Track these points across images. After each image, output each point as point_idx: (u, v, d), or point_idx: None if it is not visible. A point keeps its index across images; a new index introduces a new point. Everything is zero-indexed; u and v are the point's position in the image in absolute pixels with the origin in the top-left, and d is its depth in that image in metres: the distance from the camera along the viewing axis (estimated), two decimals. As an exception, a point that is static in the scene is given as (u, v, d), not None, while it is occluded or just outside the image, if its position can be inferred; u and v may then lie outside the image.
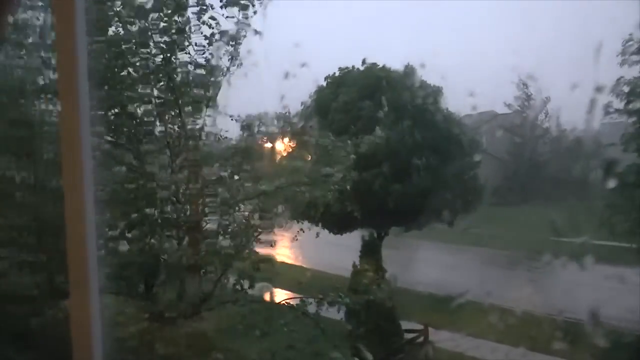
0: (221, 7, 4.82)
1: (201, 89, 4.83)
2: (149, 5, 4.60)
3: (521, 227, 7.92)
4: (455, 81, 7.50)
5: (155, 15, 4.61)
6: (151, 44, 4.64)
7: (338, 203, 5.21)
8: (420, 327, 8.04)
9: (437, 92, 8.45)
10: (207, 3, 4.81)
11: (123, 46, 4.50)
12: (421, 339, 7.74)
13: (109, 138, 4.64)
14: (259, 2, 4.84)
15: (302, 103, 7.99)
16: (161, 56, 4.66)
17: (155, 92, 4.80)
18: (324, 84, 8.89)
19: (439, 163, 8.08)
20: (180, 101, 4.69)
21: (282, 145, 5.34)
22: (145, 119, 4.86)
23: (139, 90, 4.72)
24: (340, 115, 7.76)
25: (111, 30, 4.47)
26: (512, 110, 12.90)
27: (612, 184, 5.02)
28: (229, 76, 4.96)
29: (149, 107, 4.70)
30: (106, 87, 4.47)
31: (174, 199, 4.70)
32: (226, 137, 4.93)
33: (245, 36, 4.86)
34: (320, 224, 8.19)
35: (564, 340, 4.73)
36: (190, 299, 4.88)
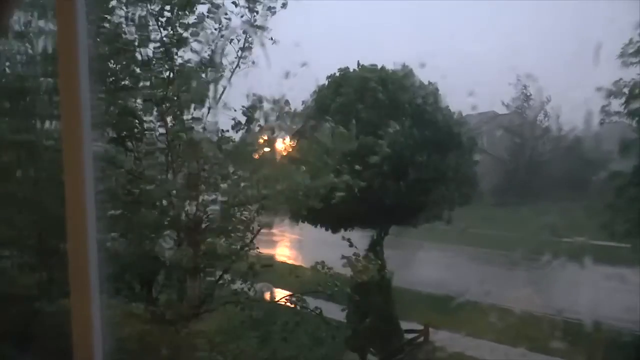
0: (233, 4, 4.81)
1: (204, 86, 4.83)
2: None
3: (520, 227, 7.93)
4: (454, 81, 7.52)
5: (157, 7, 4.59)
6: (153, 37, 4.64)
7: (339, 201, 5.20)
8: (419, 327, 8.06)
9: (436, 91, 8.49)
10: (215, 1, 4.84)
11: (124, 36, 4.48)
12: (421, 339, 7.76)
13: (109, 137, 4.65)
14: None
15: (303, 102, 7.99)
16: (162, 49, 4.65)
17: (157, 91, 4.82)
18: (324, 84, 8.93)
19: (437, 161, 8.12)
20: (181, 99, 4.69)
21: (283, 145, 5.34)
22: (145, 118, 4.87)
23: (140, 85, 4.73)
24: (340, 116, 7.78)
25: (112, 25, 4.46)
26: (511, 111, 12.93)
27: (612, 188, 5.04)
28: (231, 75, 4.96)
29: (150, 104, 4.71)
30: (105, 85, 4.49)
31: (174, 200, 4.70)
32: (227, 137, 4.93)
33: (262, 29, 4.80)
34: (319, 223, 8.24)
35: (563, 340, 4.75)
36: (190, 300, 4.89)
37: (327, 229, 8.88)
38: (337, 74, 9.49)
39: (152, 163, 4.74)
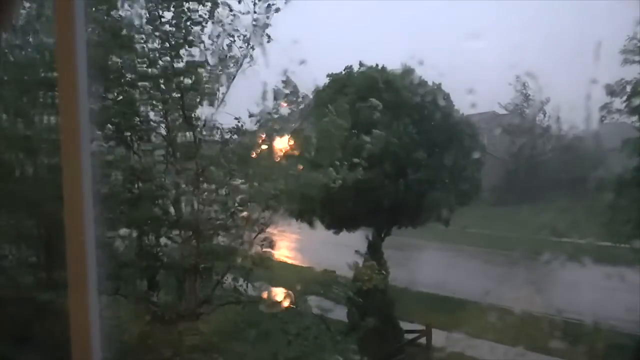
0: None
1: (207, 85, 4.81)
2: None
3: (520, 227, 7.91)
4: (454, 81, 7.50)
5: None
6: (157, 34, 4.61)
7: (339, 200, 5.16)
8: (420, 327, 8.04)
9: (436, 90, 8.47)
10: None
11: (124, 31, 4.45)
12: (422, 339, 7.75)
13: (110, 134, 4.65)
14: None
15: (302, 96, 7.96)
16: (165, 45, 4.62)
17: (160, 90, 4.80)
18: (324, 83, 8.93)
19: (438, 161, 8.11)
20: (184, 97, 4.67)
21: (282, 144, 5.33)
22: (149, 115, 4.85)
23: (141, 83, 4.72)
24: (343, 116, 7.78)
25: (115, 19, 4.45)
26: (511, 110, 12.88)
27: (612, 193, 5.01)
28: (235, 72, 4.92)
29: (153, 102, 4.69)
30: (107, 80, 4.47)
31: (174, 199, 4.70)
32: (227, 135, 4.91)
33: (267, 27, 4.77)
34: (321, 223, 8.23)
35: (563, 340, 4.73)
36: (189, 299, 4.88)
37: (328, 229, 8.88)
38: (337, 75, 9.48)
39: (153, 161, 4.73)
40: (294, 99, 4.99)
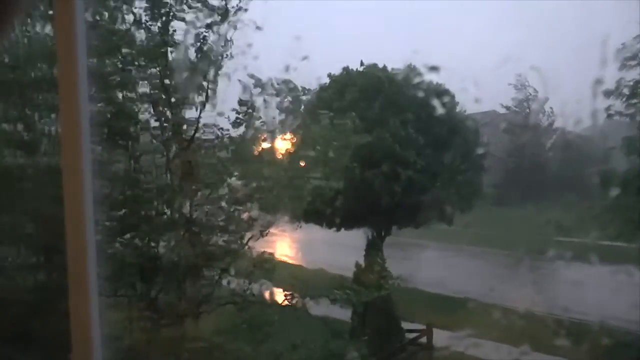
0: None
1: (194, 78, 4.76)
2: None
3: (522, 226, 7.88)
4: (454, 80, 7.45)
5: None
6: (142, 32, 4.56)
7: (340, 199, 5.13)
8: (421, 326, 8.01)
9: (437, 88, 8.45)
10: None
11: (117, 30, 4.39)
12: (423, 338, 7.73)
13: (104, 137, 4.60)
14: None
15: (304, 91, 7.92)
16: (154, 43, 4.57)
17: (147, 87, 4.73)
18: (325, 82, 8.89)
19: (439, 159, 8.09)
20: (173, 93, 4.62)
21: (282, 143, 5.28)
22: (141, 117, 4.79)
23: (131, 81, 4.65)
24: (342, 115, 7.75)
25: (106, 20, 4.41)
26: (512, 110, 12.87)
27: (614, 191, 4.97)
28: (219, 66, 4.85)
29: (144, 101, 4.64)
30: (99, 83, 4.43)
31: (170, 199, 4.65)
32: (225, 134, 4.86)
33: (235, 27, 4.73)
34: (320, 223, 8.21)
35: (567, 339, 4.70)
36: (189, 299, 4.84)
37: (328, 229, 8.86)
38: (340, 74, 9.44)
39: (148, 162, 4.69)
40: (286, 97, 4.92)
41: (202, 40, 4.58)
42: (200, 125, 4.76)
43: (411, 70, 8.34)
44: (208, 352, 4.68)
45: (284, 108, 5.04)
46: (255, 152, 5.04)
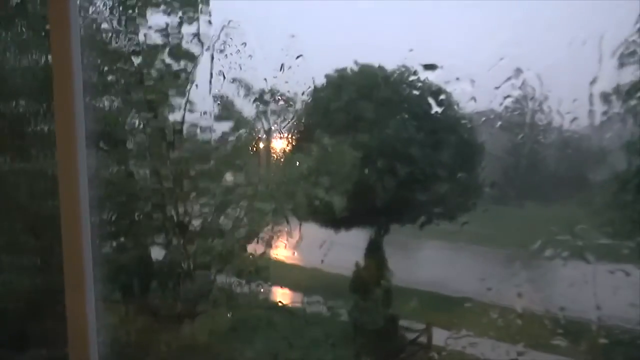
0: None
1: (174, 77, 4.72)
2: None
3: (520, 224, 7.89)
4: (451, 78, 7.44)
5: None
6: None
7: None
8: (420, 326, 8.03)
9: (434, 88, 8.47)
10: None
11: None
12: (422, 338, 7.75)
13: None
14: None
15: (303, 92, 7.91)
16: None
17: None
18: (322, 83, 8.90)
19: (438, 158, 8.11)
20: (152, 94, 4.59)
21: (280, 143, 5.28)
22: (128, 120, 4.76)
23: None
24: (340, 115, 7.76)
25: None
26: (510, 108, 12.91)
27: (612, 189, 4.98)
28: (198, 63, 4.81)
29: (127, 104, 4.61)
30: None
31: (163, 200, 4.64)
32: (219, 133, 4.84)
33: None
34: (318, 222, 8.22)
35: (564, 338, 4.72)
36: (184, 301, 4.84)
37: (327, 228, 8.88)
38: (336, 74, 9.47)
39: (137, 166, 4.67)
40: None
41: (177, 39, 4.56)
42: (187, 126, 4.75)
43: (407, 68, 8.37)
44: (203, 352, 4.67)
45: (277, 112, 5.03)
46: (250, 153, 5.04)
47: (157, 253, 5.04)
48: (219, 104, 4.87)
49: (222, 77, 4.80)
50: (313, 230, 8.23)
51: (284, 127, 5.28)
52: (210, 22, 4.65)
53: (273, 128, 5.14)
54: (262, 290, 5.40)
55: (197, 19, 4.68)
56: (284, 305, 5.54)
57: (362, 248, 8.40)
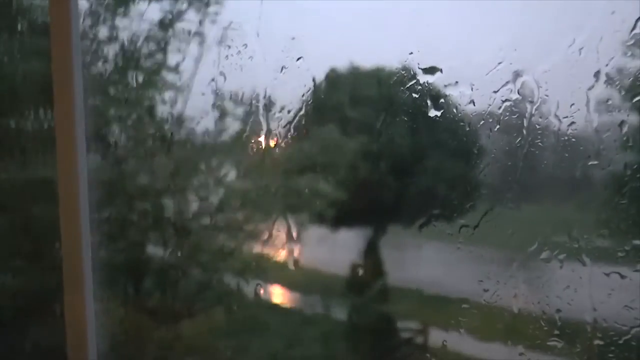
0: None
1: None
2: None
3: (518, 226, 7.92)
4: (449, 81, 7.46)
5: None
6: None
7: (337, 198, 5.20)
8: (416, 326, 8.07)
9: (433, 90, 8.52)
10: None
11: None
12: (419, 338, 7.78)
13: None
14: None
15: (303, 94, 7.96)
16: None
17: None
18: (321, 82, 8.94)
19: (436, 159, 8.16)
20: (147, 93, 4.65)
21: (279, 143, 5.31)
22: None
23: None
24: (339, 116, 7.80)
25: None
26: (508, 112, 13.02)
27: (609, 191, 5.02)
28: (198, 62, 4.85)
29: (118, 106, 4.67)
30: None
31: (159, 198, 4.69)
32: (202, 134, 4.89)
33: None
34: (316, 221, 8.25)
35: (560, 339, 4.76)
36: (181, 299, 4.89)
37: (325, 227, 8.91)
38: (334, 74, 9.53)
39: (132, 165, 4.72)
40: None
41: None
42: (185, 125, 4.80)
43: (407, 71, 8.42)
44: (201, 351, 4.71)
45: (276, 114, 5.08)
46: (249, 152, 5.08)
47: (154, 252, 5.09)
48: (219, 104, 4.91)
49: (222, 78, 4.85)
50: (311, 230, 8.26)
51: (283, 128, 5.31)
52: (214, 20, 4.70)
53: (272, 129, 5.18)
54: (259, 289, 5.44)
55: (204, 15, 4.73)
56: (281, 305, 5.58)
57: (360, 248, 8.44)
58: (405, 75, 7.58)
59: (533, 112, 4.53)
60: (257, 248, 5.01)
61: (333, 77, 8.46)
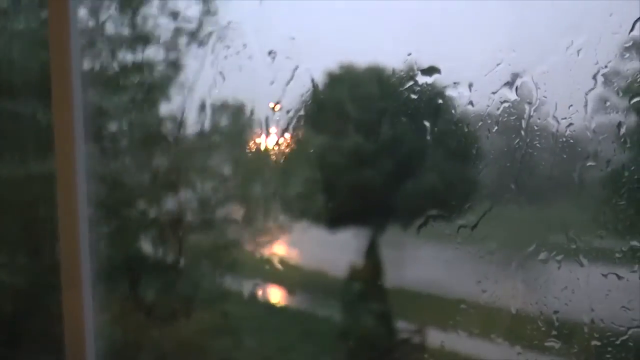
0: None
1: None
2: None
3: (516, 227, 7.94)
4: (448, 81, 7.46)
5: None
6: None
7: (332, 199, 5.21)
8: (414, 327, 8.07)
9: (432, 90, 8.53)
10: None
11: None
12: (416, 339, 7.78)
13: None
14: None
15: (302, 94, 7.97)
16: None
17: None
18: (320, 83, 8.94)
19: (435, 161, 8.17)
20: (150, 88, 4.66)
21: (275, 141, 5.31)
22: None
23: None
24: (336, 115, 7.80)
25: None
26: (507, 113, 13.05)
27: (607, 192, 5.02)
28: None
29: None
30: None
31: (151, 198, 4.69)
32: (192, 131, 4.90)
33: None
34: (314, 221, 8.25)
35: (558, 339, 4.78)
36: (177, 298, 4.89)
37: (324, 228, 8.91)
38: (334, 73, 9.53)
39: (125, 162, 4.72)
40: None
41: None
42: (184, 118, 4.81)
43: (405, 71, 8.43)
44: (197, 350, 4.71)
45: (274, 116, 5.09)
46: (248, 149, 5.09)
47: (151, 250, 5.08)
48: (217, 105, 4.91)
49: (222, 79, 4.85)
50: (309, 230, 8.26)
51: (282, 128, 5.32)
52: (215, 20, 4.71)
53: (271, 129, 5.18)
54: (256, 288, 5.45)
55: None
56: (277, 305, 5.58)
57: (358, 249, 8.44)
58: (404, 76, 7.59)
59: (531, 113, 4.54)
60: (255, 247, 5.02)
61: (332, 78, 8.48)
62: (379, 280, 6.76)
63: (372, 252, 7.37)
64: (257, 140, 4.97)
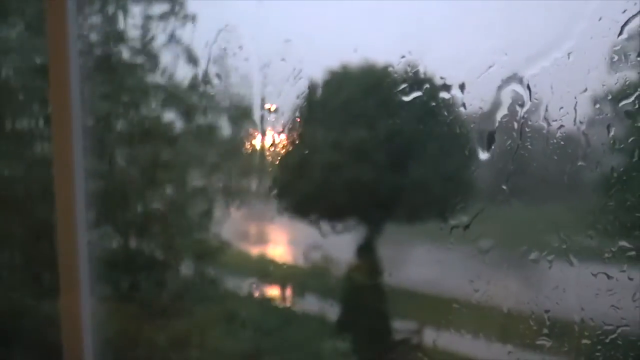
0: None
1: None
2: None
3: (509, 226, 8.00)
4: (442, 82, 7.48)
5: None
6: None
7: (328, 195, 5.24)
8: (412, 326, 8.11)
9: (427, 90, 8.56)
10: None
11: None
12: (413, 338, 7.83)
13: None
14: None
15: (298, 96, 7.99)
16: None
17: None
18: (316, 84, 8.96)
19: (432, 160, 8.21)
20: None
21: (272, 140, 5.33)
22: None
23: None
24: (337, 114, 7.83)
25: None
26: (502, 109, 13.10)
27: (600, 192, 5.06)
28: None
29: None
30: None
31: (139, 195, 4.71)
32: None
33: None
34: (310, 218, 8.28)
35: (549, 338, 4.83)
36: (170, 295, 4.91)
37: (317, 226, 8.94)
38: (332, 73, 9.53)
39: (123, 160, 4.74)
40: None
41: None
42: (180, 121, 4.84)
43: (399, 73, 8.47)
44: (193, 347, 4.74)
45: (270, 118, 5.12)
46: (244, 149, 5.11)
47: (147, 248, 5.11)
48: (213, 106, 4.94)
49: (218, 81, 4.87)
50: (306, 229, 8.30)
51: (278, 130, 5.35)
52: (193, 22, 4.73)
53: (266, 130, 5.21)
54: (252, 286, 5.47)
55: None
56: (273, 303, 5.61)
57: (355, 247, 8.47)
58: (398, 77, 7.63)
59: (523, 115, 4.58)
60: (251, 245, 5.05)
61: (327, 79, 8.50)
62: (374, 278, 6.80)
63: (367, 251, 7.41)
64: (253, 142, 5.01)
